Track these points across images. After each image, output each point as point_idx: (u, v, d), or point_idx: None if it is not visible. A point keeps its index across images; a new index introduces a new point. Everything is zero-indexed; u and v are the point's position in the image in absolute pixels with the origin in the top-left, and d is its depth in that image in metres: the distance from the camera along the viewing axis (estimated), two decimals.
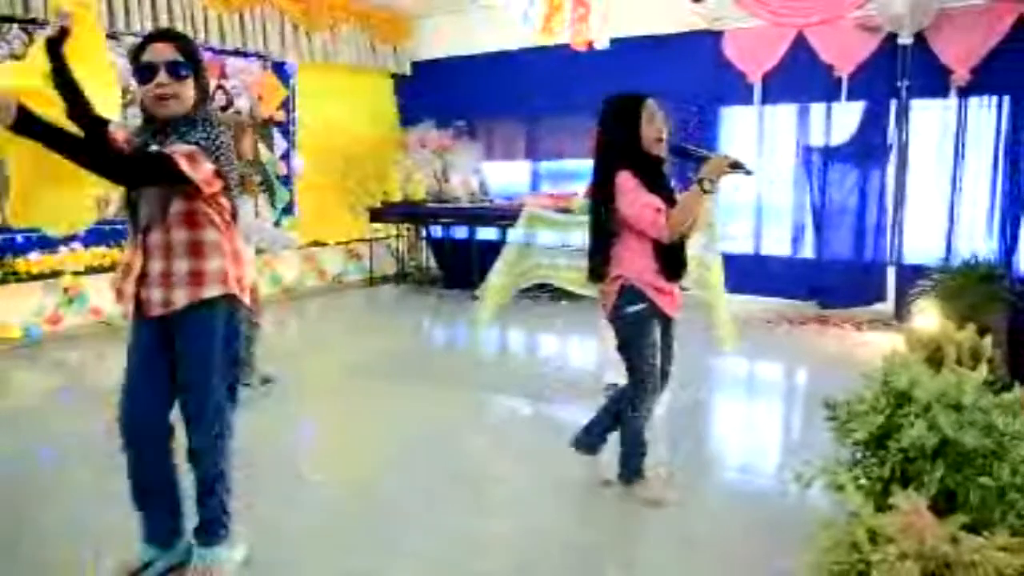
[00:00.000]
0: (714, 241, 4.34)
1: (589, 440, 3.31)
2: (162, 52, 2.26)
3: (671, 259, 2.99)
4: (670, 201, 2.95)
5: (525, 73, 7.99)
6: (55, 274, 5.99)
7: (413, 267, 9.22)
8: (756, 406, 4.73)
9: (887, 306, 6.49)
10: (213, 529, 2.47)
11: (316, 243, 8.27)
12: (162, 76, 2.24)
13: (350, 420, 4.44)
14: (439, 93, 8.68)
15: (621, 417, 3.15)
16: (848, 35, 6.40)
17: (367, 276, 8.91)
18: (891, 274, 6.58)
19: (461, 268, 8.29)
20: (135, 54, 2.31)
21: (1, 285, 5.72)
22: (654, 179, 2.95)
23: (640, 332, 3.01)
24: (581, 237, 3.97)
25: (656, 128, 2.95)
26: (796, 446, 3.88)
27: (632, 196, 2.89)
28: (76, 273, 6.09)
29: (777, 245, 7.09)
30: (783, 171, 6.95)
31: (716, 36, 6.97)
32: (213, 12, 6.88)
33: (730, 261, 7.16)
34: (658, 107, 2.97)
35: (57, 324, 6.05)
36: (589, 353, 5.63)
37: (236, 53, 7.24)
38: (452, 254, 8.88)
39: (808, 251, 6.93)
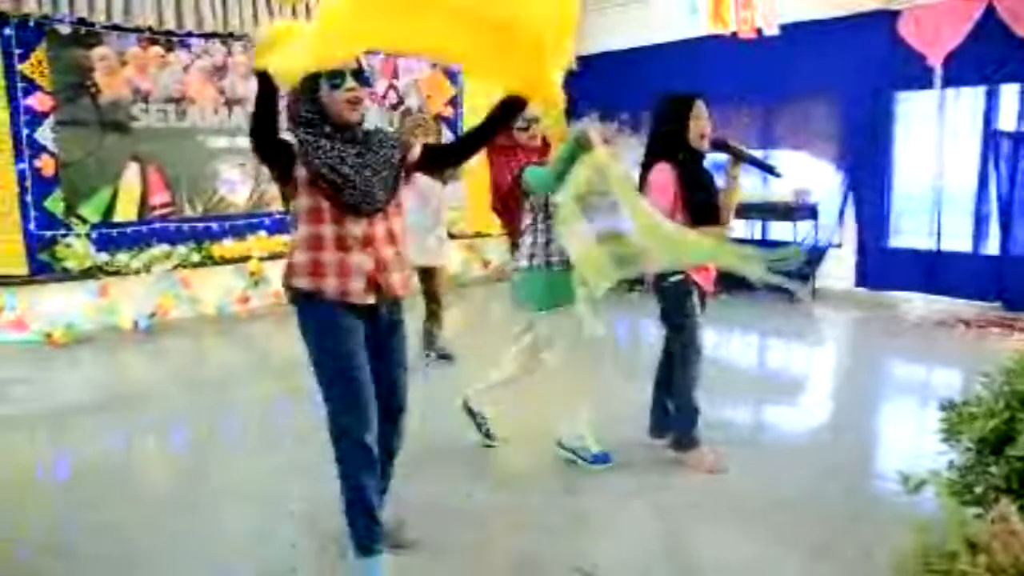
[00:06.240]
0: None
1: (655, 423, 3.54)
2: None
3: None
4: (708, 189, 3.26)
5: (690, 64, 7.83)
6: (244, 259, 6.70)
7: None
8: (897, 407, 4.53)
9: None
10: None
11: (479, 234, 8.61)
12: (351, 82, 2.31)
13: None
14: (604, 86, 8.69)
15: (672, 386, 3.37)
16: None
17: None
18: None
19: None
20: None
21: (200, 268, 6.49)
22: (695, 170, 3.24)
23: (681, 297, 3.27)
24: None
25: (701, 126, 3.23)
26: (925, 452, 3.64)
27: (658, 185, 3.20)
28: (261, 259, 6.78)
29: (957, 241, 6.49)
30: (966, 160, 6.34)
31: (892, 16, 6.50)
32: None
33: (905, 257, 6.73)
34: (705, 107, 3.26)
35: (245, 303, 6.77)
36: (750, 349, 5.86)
37: None
38: None
39: (993, 247, 6.29)
